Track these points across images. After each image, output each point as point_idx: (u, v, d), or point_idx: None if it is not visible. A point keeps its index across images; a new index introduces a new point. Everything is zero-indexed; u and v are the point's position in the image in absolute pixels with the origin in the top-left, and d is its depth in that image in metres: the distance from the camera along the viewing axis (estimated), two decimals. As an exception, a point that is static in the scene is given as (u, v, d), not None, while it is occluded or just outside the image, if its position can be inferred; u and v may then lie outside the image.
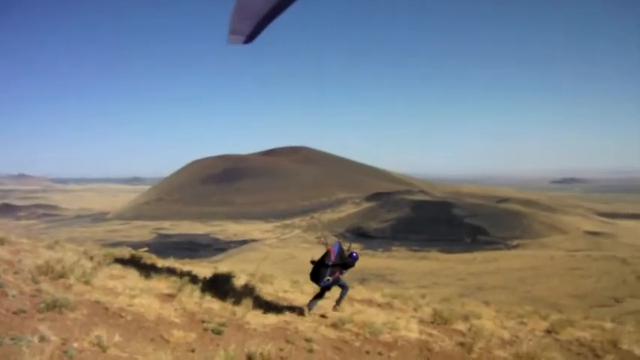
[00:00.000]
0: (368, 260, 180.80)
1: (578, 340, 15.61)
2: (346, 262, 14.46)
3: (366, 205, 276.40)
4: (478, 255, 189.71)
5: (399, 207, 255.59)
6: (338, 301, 14.42)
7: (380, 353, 11.02)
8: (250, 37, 11.87)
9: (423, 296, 24.46)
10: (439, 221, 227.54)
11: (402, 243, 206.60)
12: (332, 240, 16.14)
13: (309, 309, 13.90)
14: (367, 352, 10.97)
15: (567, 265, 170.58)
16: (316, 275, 14.16)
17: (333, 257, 14.29)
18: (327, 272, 14.02)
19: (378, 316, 13.58)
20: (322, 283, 14.09)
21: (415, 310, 17.12)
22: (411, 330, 12.96)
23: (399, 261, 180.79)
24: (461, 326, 14.59)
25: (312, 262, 14.85)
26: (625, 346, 15.36)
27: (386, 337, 12.11)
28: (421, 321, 14.54)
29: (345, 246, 15.17)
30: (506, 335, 14.51)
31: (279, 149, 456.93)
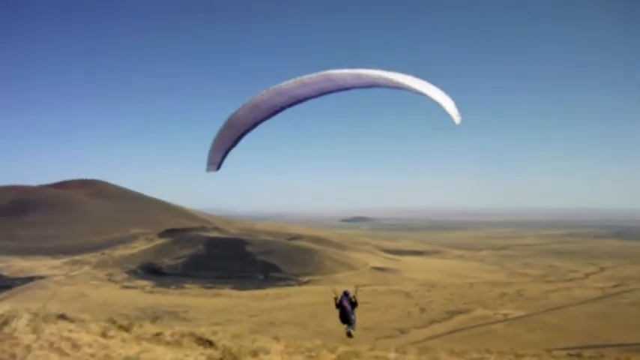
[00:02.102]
0: (160, 298, 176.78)
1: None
2: (354, 302, 22.28)
3: (160, 241, 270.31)
4: (270, 291, 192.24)
5: (192, 244, 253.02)
6: (352, 327, 21.67)
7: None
8: (219, 165, 16.07)
9: (215, 333, 24.39)
10: (232, 258, 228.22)
11: (195, 280, 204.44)
12: (340, 293, 22.64)
13: (350, 333, 21.51)
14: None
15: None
16: (344, 316, 21.74)
17: (346, 302, 21.92)
18: (351, 311, 21.75)
19: (166, 355, 13.33)
20: (351, 320, 21.69)
21: (205, 347, 17.06)
22: (200, 367, 12.92)
23: (192, 298, 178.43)
24: (249, 362, 14.77)
25: (337, 305, 22.29)
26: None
27: (174, 375, 11.99)
28: (210, 358, 14.52)
29: (353, 290, 23.05)
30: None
31: (71, 182, 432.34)
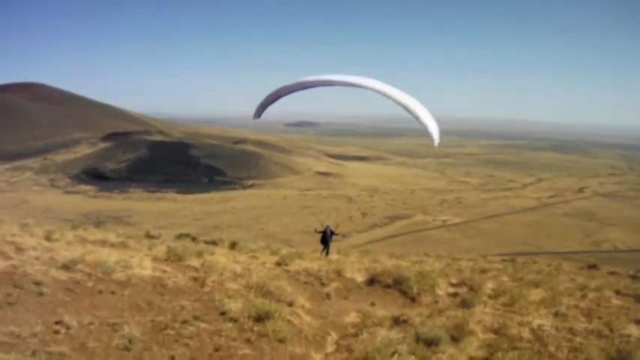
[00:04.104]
0: (104, 202, 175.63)
1: (306, 271, 16.88)
2: (333, 233, 26.88)
3: (103, 145, 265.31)
4: (215, 195, 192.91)
5: (136, 147, 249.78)
6: (327, 253, 26.07)
7: (113, 292, 10.98)
8: (260, 115, 20.08)
9: (159, 236, 24.56)
10: (177, 162, 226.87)
11: (139, 184, 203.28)
12: (323, 226, 27.41)
13: (327, 253, 26.03)
14: (100, 292, 10.86)
15: (299, 203, 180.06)
16: (324, 240, 26.42)
17: (328, 231, 26.54)
18: (329, 239, 26.49)
19: (111, 256, 13.38)
20: (328, 245, 26.39)
21: (150, 249, 17.19)
22: (145, 267, 13.03)
23: (136, 202, 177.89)
24: (194, 262, 14.97)
25: (317, 231, 27.57)
26: (348, 275, 17.01)
27: (119, 275, 12.07)
28: (155, 259, 14.65)
29: (334, 225, 27.87)
30: (238, 269, 15.21)
31: (9, 85, 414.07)
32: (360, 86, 17.20)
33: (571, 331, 13.13)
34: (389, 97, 16.99)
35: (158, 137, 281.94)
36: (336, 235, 27.79)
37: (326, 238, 26.58)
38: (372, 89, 17.13)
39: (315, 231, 28.43)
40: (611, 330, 13.51)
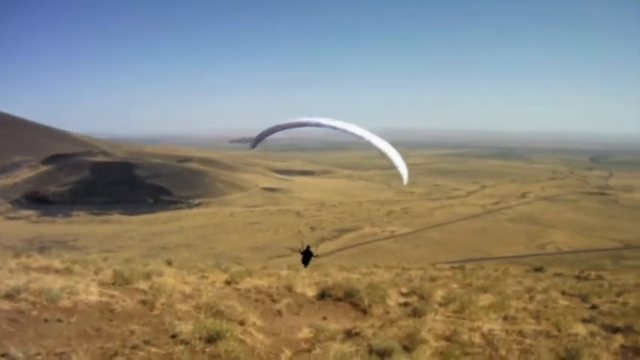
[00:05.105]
0: (47, 227, 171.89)
1: (256, 288, 16.77)
2: (312, 253, 29.13)
3: (44, 168, 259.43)
4: (161, 215, 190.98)
5: (78, 169, 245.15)
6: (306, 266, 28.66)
7: (59, 320, 10.70)
8: (255, 146, 23.85)
9: (106, 259, 24.14)
10: (121, 183, 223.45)
11: (83, 207, 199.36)
12: (304, 245, 29.92)
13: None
14: (46, 321, 10.58)
15: (247, 220, 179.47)
16: (305, 259, 28.71)
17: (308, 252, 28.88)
18: (308, 258, 28.78)
19: (56, 283, 13.06)
20: (307, 263, 28.75)
21: (96, 273, 16.83)
22: (91, 293, 12.75)
23: (81, 226, 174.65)
24: (143, 285, 14.72)
25: (301, 252, 29.36)
26: (299, 290, 16.96)
27: (65, 302, 11.78)
28: (102, 283, 14.36)
29: (313, 245, 31.42)
30: (188, 289, 15.01)
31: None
32: (344, 131, 20.06)
33: (521, 333, 13.37)
34: (367, 142, 19.82)
35: (101, 158, 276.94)
36: (316, 256, 30.08)
37: (306, 257, 29.15)
38: (353, 134, 20.01)
39: (299, 251, 30.26)
40: (559, 330, 13.81)
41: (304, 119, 21.30)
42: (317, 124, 20.73)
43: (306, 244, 30.16)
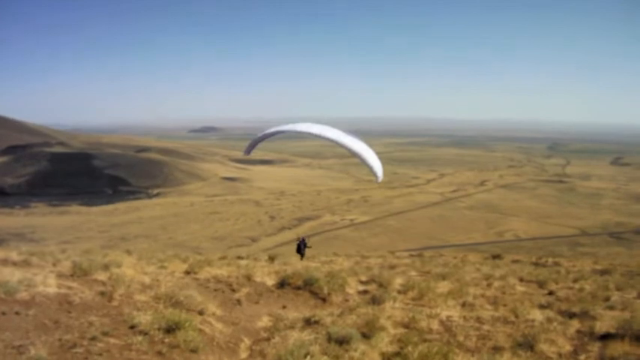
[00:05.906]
0: (4, 219, 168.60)
1: (215, 278, 16.76)
2: (306, 244, 31.35)
3: (0, 159, 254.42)
4: (120, 206, 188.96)
5: (36, 160, 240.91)
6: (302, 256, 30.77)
7: (17, 313, 10.56)
8: (249, 152, 24.48)
9: (64, 251, 23.84)
10: (79, 174, 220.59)
11: (41, 198, 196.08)
12: (300, 236, 32.63)
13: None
14: (3, 314, 10.45)
15: (206, 210, 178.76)
16: (299, 250, 30.81)
17: (302, 243, 31.15)
18: (303, 248, 30.87)
19: (13, 275, 12.90)
20: (302, 253, 30.78)
21: (54, 265, 16.62)
22: (50, 285, 12.60)
23: (39, 218, 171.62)
24: (101, 276, 14.58)
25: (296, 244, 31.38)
26: (258, 279, 17.01)
27: (23, 295, 11.63)
28: (60, 275, 14.20)
29: (307, 238, 32.92)
30: (147, 280, 14.93)
31: None
32: (318, 136, 20.79)
33: (478, 319, 13.59)
34: (343, 144, 20.31)
35: (59, 149, 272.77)
36: (309, 247, 32.11)
37: (300, 248, 31.20)
38: (331, 139, 20.47)
39: (297, 243, 32.14)
40: (517, 316, 14.07)
41: (288, 127, 22.78)
42: (299, 131, 22.10)
43: (301, 237, 32.60)
